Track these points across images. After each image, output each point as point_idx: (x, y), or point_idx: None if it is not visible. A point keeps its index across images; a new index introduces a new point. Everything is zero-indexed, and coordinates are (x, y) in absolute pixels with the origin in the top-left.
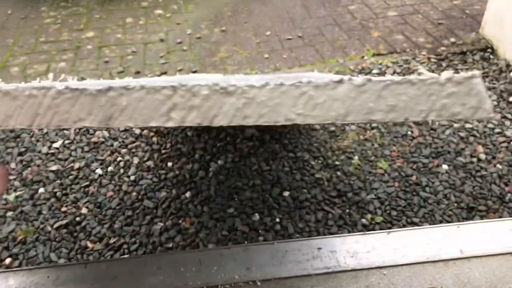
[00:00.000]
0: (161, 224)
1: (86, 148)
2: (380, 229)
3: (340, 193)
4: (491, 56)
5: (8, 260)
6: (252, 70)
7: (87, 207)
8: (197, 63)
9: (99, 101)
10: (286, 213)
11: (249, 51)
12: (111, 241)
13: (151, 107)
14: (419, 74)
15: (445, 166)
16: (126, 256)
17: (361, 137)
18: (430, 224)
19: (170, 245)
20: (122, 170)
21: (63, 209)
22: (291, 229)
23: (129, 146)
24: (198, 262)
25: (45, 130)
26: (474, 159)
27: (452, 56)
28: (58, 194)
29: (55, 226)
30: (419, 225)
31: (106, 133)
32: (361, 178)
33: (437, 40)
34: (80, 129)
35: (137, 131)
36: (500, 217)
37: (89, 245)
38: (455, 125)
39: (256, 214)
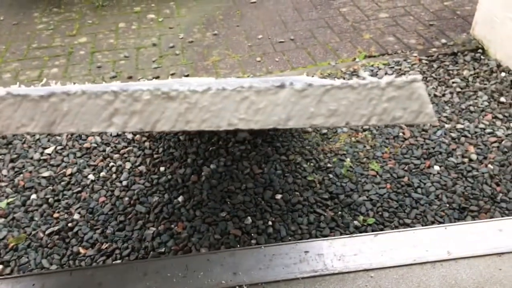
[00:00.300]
0: (154, 229)
1: (78, 154)
2: (372, 230)
3: (332, 195)
4: (482, 57)
5: None
6: (244, 73)
7: (79, 213)
8: (189, 67)
9: (41, 107)
10: (279, 216)
11: (241, 54)
12: (103, 246)
13: (93, 113)
14: (363, 78)
15: (436, 167)
16: (112, 262)
17: (353, 139)
18: (422, 225)
19: (163, 250)
20: (114, 176)
21: (55, 215)
22: (284, 232)
23: (122, 151)
24: (184, 267)
25: (37, 137)
26: (466, 160)
27: (443, 57)
28: (50, 200)
29: (47, 232)
30: (411, 226)
31: (98, 139)
32: (353, 180)
33: (428, 42)
34: (72, 134)
35: (129, 136)
36: (491, 217)
37: (81, 251)
38: (447, 125)
39: (249, 218)
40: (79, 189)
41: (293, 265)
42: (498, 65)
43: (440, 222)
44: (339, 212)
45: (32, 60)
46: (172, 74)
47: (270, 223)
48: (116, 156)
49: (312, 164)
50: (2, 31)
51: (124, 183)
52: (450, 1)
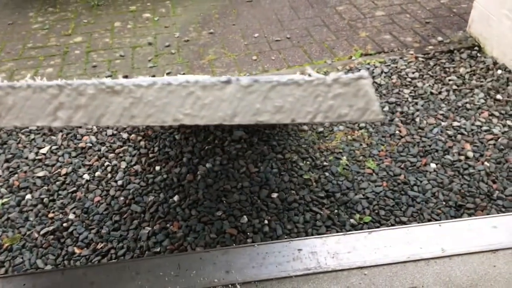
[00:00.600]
0: (149, 228)
1: (73, 154)
2: (369, 228)
3: (329, 193)
4: (478, 54)
5: None
6: (241, 72)
7: (74, 213)
8: (185, 66)
9: None
10: (275, 214)
11: (237, 53)
12: (99, 246)
13: (38, 106)
14: (309, 75)
15: (433, 165)
16: (107, 262)
17: (349, 137)
18: (418, 223)
19: (158, 249)
20: (109, 175)
21: (50, 215)
22: (280, 231)
23: (117, 151)
24: (177, 266)
25: (32, 136)
26: (462, 157)
27: (440, 55)
28: (45, 200)
29: (42, 232)
30: (407, 224)
31: (93, 138)
32: (349, 178)
33: (424, 39)
34: (67, 134)
35: (125, 136)
36: (488, 214)
37: (76, 250)
38: (443, 123)
39: (245, 217)
40: (74, 189)
41: (286, 263)
42: (495, 63)
43: (437, 220)
44: (336, 211)
45: (27, 60)
46: (168, 73)
47: (266, 222)
48: (111, 155)
49: (308, 162)
50: None
51: (120, 182)
52: None
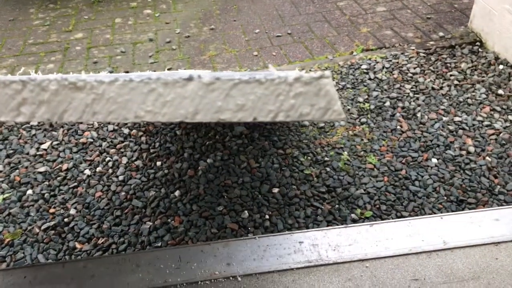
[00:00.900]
0: (150, 223)
1: (74, 149)
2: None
3: (330, 188)
4: (479, 49)
5: None
6: (241, 68)
7: (75, 208)
8: (186, 62)
9: None
10: (276, 209)
11: (238, 49)
12: (100, 241)
13: (1, 102)
14: (270, 73)
15: (434, 160)
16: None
17: (350, 132)
18: None
19: (159, 244)
20: (110, 170)
21: (51, 210)
22: (281, 226)
23: (118, 146)
24: (178, 259)
25: (33, 132)
26: (464, 152)
27: (441, 50)
28: (46, 195)
29: (43, 227)
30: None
31: (94, 134)
32: (351, 173)
33: (425, 35)
34: (68, 129)
35: (126, 131)
36: None
37: (78, 246)
38: (444, 118)
39: (246, 212)
40: (75, 184)
41: (287, 255)
42: (496, 58)
43: None
44: (337, 206)
45: (28, 56)
46: (169, 69)
47: (267, 216)
48: (112, 151)
49: (309, 157)
50: None
51: (121, 178)
52: None
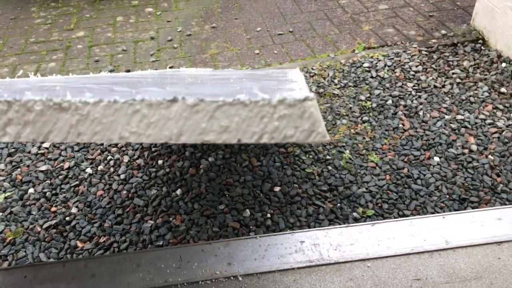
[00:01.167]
0: (152, 222)
1: (76, 148)
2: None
3: (331, 187)
4: (482, 47)
5: None
6: (243, 66)
7: (77, 207)
8: (187, 60)
9: None
10: (277, 208)
11: (240, 47)
12: (101, 240)
13: None
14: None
15: (436, 158)
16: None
17: (352, 131)
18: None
19: (161, 243)
20: (112, 169)
21: (53, 209)
22: (282, 224)
23: (119, 145)
24: (178, 258)
25: None
26: (466, 151)
27: (443, 48)
28: (48, 194)
29: (44, 226)
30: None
31: None
32: (352, 171)
33: (428, 33)
34: None
35: None
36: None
37: (79, 244)
38: (447, 116)
39: (247, 210)
40: (77, 182)
41: (288, 255)
42: (499, 56)
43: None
44: (338, 204)
45: (29, 55)
46: (171, 67)
47: (268, 215)
48: (114, 149)
49: (311, 156)
50: None
51: (122, 176)
52: None
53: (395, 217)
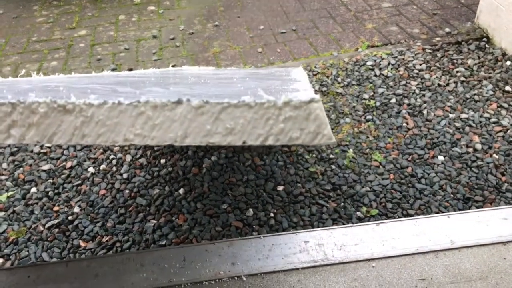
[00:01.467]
0: (154, 221)
1: (78, 147)
2: (375, 221)
3: (335, 186)
4: (486, 45)
5: (0, 261)
6: (246, 64)
7: (79, 206)
8: (190, 59)
9: None
10: (280, 207)
11: (242, 45)
12: (104, 239)
13: None
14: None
15: (440, 157)
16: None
17: (356, 129)
18: (426, 215)
19: (164, 242)
20: (114, 168)
21: (55, 208)
22: (286, 224)
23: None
24: (182, 258)
25: None
26: (470, 149)
27: (447, 46)
28: (50, 193)
29: (47, 225)
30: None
31: None
32: (356, 171)
33: (432, 31)
34: None
35: None
36: (496, 207)
37: (82, 244)
38: (451, 115)
39: (250, 210)
40: (79, 182)
41: (292, 255)
42: (503, 54)
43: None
44: (342, 204)
45: (31, 53)
46: (173, 66)
47: (272, 215)
48: (116, 148)
49: (314, 155)
50: (1, 24)
51: (125, 175)
52: None
53: (399, 217)
